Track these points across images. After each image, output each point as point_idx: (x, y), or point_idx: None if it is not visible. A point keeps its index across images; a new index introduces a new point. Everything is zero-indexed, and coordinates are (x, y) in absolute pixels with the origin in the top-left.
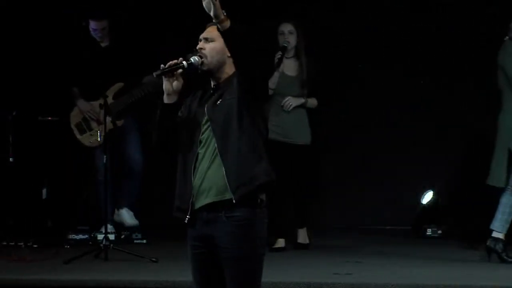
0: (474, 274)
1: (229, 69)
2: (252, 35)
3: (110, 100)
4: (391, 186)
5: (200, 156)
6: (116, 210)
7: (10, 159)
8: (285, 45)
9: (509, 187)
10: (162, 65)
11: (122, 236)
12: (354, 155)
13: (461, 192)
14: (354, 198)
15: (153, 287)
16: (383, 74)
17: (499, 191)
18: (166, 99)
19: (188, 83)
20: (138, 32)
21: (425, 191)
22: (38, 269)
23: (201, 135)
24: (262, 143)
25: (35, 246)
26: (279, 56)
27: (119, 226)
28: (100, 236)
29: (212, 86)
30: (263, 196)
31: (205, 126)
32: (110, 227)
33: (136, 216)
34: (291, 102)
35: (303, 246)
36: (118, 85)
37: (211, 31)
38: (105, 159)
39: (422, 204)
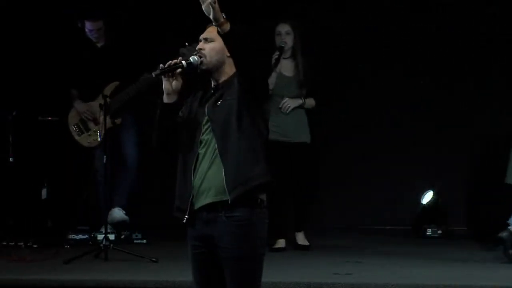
0: (474, 274)
1: (229, 69)
2: (252, 35)
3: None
4: (391, 186)
5: (200, 157)
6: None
7: (10, 159)
8: (282, 45)
9: None
10: (161, 65)
11: (122, 236)
12: (354, 155)
13: (461, 192)
14: (354, 198)
15: (153, 287)
16: (383, 74)
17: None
18: (165, 99)
19: (188, 83)
20: (137, 32)
21: (425, 191)
22: (38, 269)
23: (202, 136)
24: (261, 143)
25: (35, 246)
26: (276, 56)
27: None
28: (100, 236)
29: (212, 86)
30: (263, 197)
31: (206, 127)
32: (110, 227)
33: (136, 216)
34: (289, 104)
35: (304, 248)
36: (114, 84)
37: (211, 32)
38: (105, 159)
39: (422, 204)
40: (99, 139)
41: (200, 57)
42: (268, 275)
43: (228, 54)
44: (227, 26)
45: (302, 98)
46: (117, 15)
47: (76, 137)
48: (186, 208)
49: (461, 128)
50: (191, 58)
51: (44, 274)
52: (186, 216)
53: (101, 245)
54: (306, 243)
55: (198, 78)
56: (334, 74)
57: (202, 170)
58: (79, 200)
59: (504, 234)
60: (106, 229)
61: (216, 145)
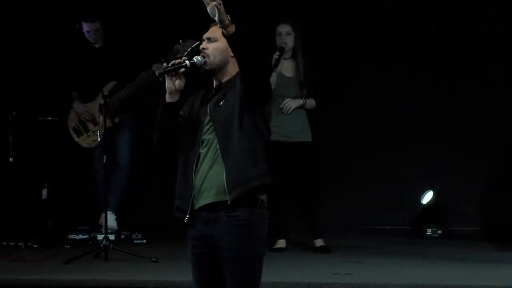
0: (474, 274)
1: (232, 69)
2: (253, 35)
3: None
4: (391, 186)
5: (201, 156)
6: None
7: (10, 159)
8: (283, 45)
9: None
10: (165, 64)
11: (122, 236)
12: (354, 155)
13: (461, 192)
14: (354, 198)
15: (153, 287)
16: (383, 74)
17: None
18: (168, 98)
19: (190, 83)
20: (137, 32)
21: (425, 191)
22: (38, 269)
23: (203, 135)
24: (261, 144)
25: (35, 246)
26: (277, 56)
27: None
28: (100, 236)
29: (214, 86)
30: (263, 197)
31: (207, 126)
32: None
33: (136, 216)
34: (290, 104)
35: (325, 249)
36: (112, 84)
37: (214, 31)
38: (104, 159)
39: (422, 204)
40: (99, 139)
41: (204, 57)
42: (268, 275)
43: (232, 54)
44: (232, 28)
45: (303, 99)
46: (116, 15)
47: (76, 139)
48: (187, 208)
49: (461, 128)
50: (194, 58)
51: (44, 274)
52: (187, 216)
53: (101, 245)
54: (326, 244)
55: (200, 78)
56: (334, 74)
57: (203, 170)
58: (79, 200)
59: None
60: (106, 229)
61: (218, 145)
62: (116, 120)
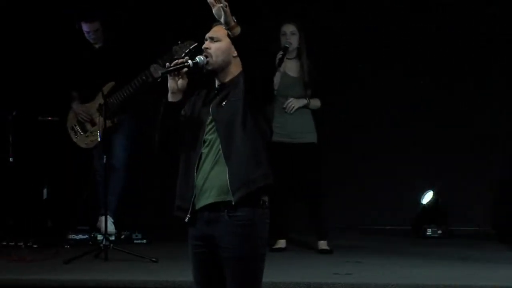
0: (474, 274)
1: (235, 69)
2: (254, 35)
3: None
4: (391, 186)
5: (203, 156)
6: (99, 216)
7: (10, 159)
8: (287, 45)
9: None
10: (167, 64)
11: (122, 236)
12: (354, 155)
13: (461, 192)
14: (354, 198)
15: (153, 287)
16: (383, 74)
17: None
18: (170, 98)
19: (192, 82)
20: (137, 32)
21: (425, 191)
22: (38, 269)
23: (205, 135)
24: (264, 145)
25: (35, 246)
26: (280, 56)
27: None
28: (100, 236)
29: (216, 86)
30: (265, 198)
31: (210, 126)
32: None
33: (136, 216)
34: (293, 104)
35: (327, 251)
36: (110, 84)
37: (217, 31)
38: (104, 159)
39: (422, 204)
40: (98, 139)
41: (206, 57)
42: (268, 275)
43: (234, 55)
44: (237, 30)
45: (307, 98)
46: (116, 15)
47: (74, 139)
48: (188, 208)
49: (461, 128)
50: (197, 58)
51: (44, 274)
52: (188, 216)
53: (101, 245)
54: (329, 248)
55: (202, 77)
56: (334, 74)
57: (205, 170)
58: (79, 200)
59: None
60: (106, 229)
61: (220, 146)
62: (115, 120)
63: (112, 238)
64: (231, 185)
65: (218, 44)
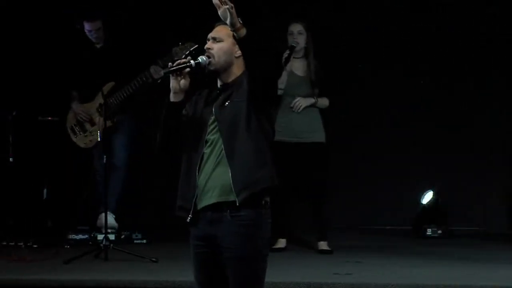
0: (474, 274)
1: (237, 69)
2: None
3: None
4: (391, 186)
5: (205, 156)
6: (99, 214)
7: (10, 159)
8: (294, 45)
9: None
10: (170, 64)
11: (122, 236)
12: (354, 155)
13: (461, 192)
14: (354, 198)
15: (153, 287)
16: (383, 74)
17: None
18: (172, 98)
19: (194, 82)
20: (137, 32)
21: (425, 191)
22: (38, 269)
23: (208, 135)
24: (268, 145)
25: (35, 246)
26: (286, 55)
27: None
28: (100, 236)
29: (218, 86)
30: (267, 198)
31: (212, 126)
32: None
33: (136, 216)
34: (301, 103)
35: (328, 252)
36: (110, 84)
37: (219, 31)
38: (104, 159)
39: (422, 204)
40: (98, 139)
41: (209, 57)
42: (268, 275)
43: (236, 55)
44: (243, 31)
45: (315, 97)
46: (116, 15)
47: (73, 138)
48: (190, 208)
49: (461, 128)
50: (199, 58)
51: (44, 274)
52: (190, 216)
53: (101, 245)
54: (329, 248)
55: (204, 77)
56: (334, 74)
57: (207, 170)
58: (79, 200)
59: None
60: (106, 229)
61: (222, 146)
62: (115, 120)
63: (114, 231)
64: (234, 185)
65: (220, 44)
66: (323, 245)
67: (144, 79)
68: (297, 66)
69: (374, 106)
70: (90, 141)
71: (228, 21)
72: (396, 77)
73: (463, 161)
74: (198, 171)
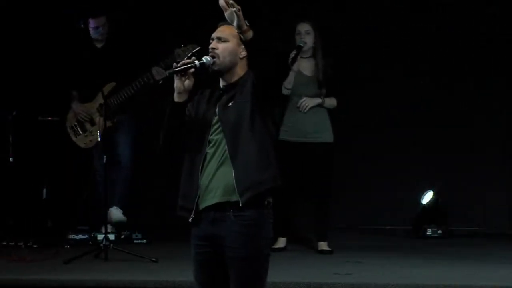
0: (474, 274)
1: (240, 70)
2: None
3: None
4: (391, 186)
5: (208, 156)
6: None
7: (10, 159)
8: (301, 44)
9: None
10: (174, 64)
11: (122, 236)
12: (354, 155)
13: (461, 192)
14: (354, 198)
15: (153, 287)
16: (383, 74)
17: None
18: (176, 98)
19: (198, 82)
20: (137, 32)
21: (425, 191)
22: (38, 269)
23: (211, 136)
24: (271, 146)
25: (35, 246)
26: (293, 55)
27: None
28: (100, 236)
29: (221, 86)
30: (270, 199)
31: (215, 127)
32: (110, 227)
33: (136, 216)
34: (307, 103)
35: (328, 252)
36: (111, 84)
37: (224, 31)
38: (104, 159)
39: (422, 204)
40: (98, 139)
41: (213, 57)
42: (269, 275)
43: (241, 56)
44: (250, 33)
45: (322, 97)
46: (116, 16)
47: (73, 138)
48: (192, 208)
49: (461, 128)
50: (204, 58)
51: (44, 274)
52: (192, 216)
53: (101, 245)
54: (329, 248)
55: (208, 78)
56: (334, 74)
57: (210, 170)
58: (79, 200)
59: None
60: (106, 229)
61: (226, 146)
62: (115, 120)
63: (112, 237)
64: (237, 186)
65: (225, 44)
66: (323, 245)
67: (145, 80)
68: (305, 66)
69: (374, 106)
70: (90, 141)
71: (235, 24)
72: (396, 77)
73: (463, 161)
74: (201, 171)
